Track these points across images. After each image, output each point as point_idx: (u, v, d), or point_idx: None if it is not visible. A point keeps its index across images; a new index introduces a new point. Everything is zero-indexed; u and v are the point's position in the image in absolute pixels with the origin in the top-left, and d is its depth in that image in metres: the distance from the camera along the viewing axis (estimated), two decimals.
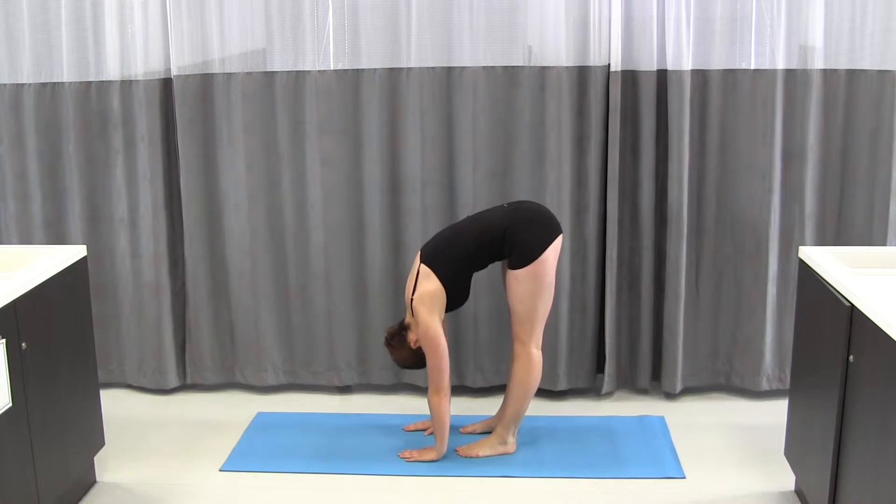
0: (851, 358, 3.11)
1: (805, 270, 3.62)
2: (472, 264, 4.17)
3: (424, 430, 4.52)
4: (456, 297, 4.17)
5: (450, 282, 4.11)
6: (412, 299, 4.11)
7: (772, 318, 4.76)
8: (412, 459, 4.22)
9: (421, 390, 4.92)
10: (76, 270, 3.77)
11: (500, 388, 4.72)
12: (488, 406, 4.69)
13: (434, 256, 4.13)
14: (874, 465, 2.93)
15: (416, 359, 4.23)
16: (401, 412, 4.74)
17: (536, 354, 4.18)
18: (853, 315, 3.10)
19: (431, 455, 4.22)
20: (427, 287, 4.09)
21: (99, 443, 4.03)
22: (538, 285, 4.08)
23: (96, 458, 4.09)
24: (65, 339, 3.68)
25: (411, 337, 4.19)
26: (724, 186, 4.68)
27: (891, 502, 2.79)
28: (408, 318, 4.21)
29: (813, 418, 3.50)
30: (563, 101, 4.56)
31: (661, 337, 4.84)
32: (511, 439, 4.30)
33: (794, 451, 3.78)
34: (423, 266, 4.12)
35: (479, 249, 4.11)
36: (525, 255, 4.05)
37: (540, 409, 4.64)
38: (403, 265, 4.78)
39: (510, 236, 4.05)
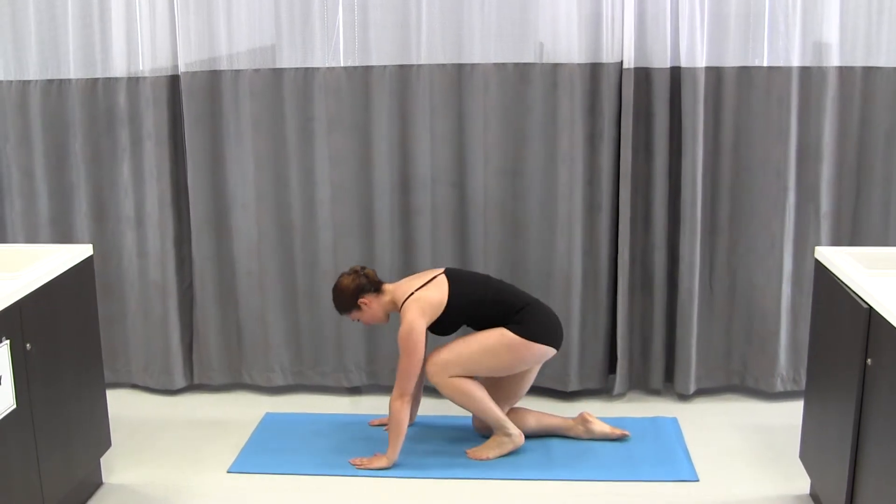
0: (869, 361, 3.06)
1: (821, 271, 3.57)
2: (479, 312, 4.16)
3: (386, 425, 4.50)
4: (443, 326, 4.16)
5: (453, 309, 4.10)
6: (410, 295, 4.08)
7: (786, 319, 4.72)
8: (362, 467, 4.15)
9: (429, 391, 4.84)
10: (82, 270, 3.73)
11: None
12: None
13: (457, 278, 4.15)
14: (894, 469, 2.88)
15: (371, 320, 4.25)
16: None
17: (449, 381, 4.14)
18: (871, 317, 3.05)
19: (382, 462, 4.15)
20: (432, 294, 4.09)
21: (105, 444, 4.00)
22: (505, 356, 4.11)
23: (102, 460, 4.05)
24: (70, 340, 3.64)
25: (375, 305, 4.18)
26: (739, 185, 4.64)
27: None
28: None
29: (829, 421, 3.46)
30: (575, 98, 4.52)
31: (674, 337, 4.80)
32: (512, 431, 4.23)
33: (810, 454, 3.74)
34: (442, 277, 4.12)
35: (495, 305, 4.13)
36: (528, 329, 4.08)
37: (551, 409, 4.58)
38: (413, 264, 4.75)
39: (528, 312, 4.10)
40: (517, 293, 4.21)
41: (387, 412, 4.19)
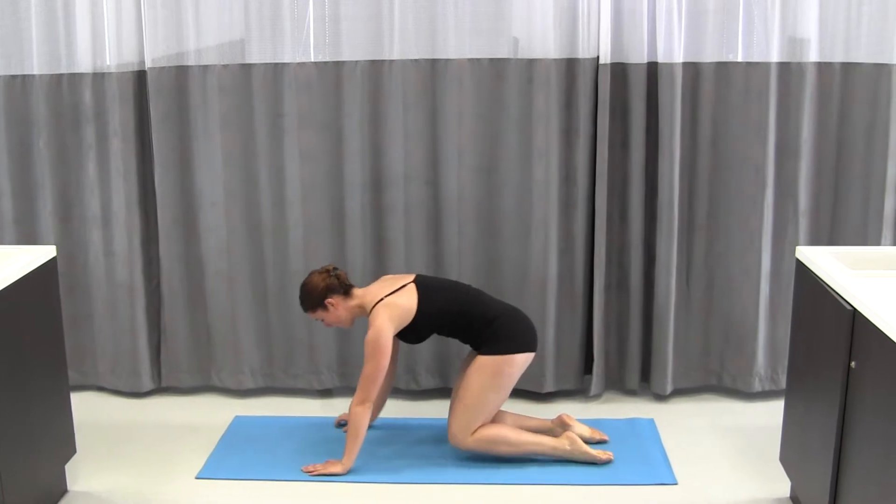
0: (853, 364, 3.01)
1: (802, 271, 3.52)
2: (448, 322, 4.13)
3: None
4: (412, 335, 4.13)
5: (422, 319, 4.06)
6: (380, 301, 4.03)
7: (764, 317, 4.69)
8: (316, 473, 4.09)
9: (403, 393, 4.86)
10: (45, 272, 3.65)
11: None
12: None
13: (427, 288, 4.10)
14: (879, 474, 2.84)
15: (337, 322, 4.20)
16: (383, 416, 4.61)
17: (474, 437, 4.09)
18: (855, 319, 3.01)
19: (337, 469, 4.08)
20: (403, 301, 4.05)
21: (70, 450, 3.93)
22: (500, 381, 4.06)
23: (67, 466, 3.98)
24: (33, 344, 3.56)
25: (341, 308, 4.14)
26: (716, 182, 4.61)
27: None
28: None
29: (811, 424, 3.42)
30: (550, 94, 4.48)
31: (650, 337, 4.77)
32: (560, 443, 4.16)
33: (791, 457, 3.69)
34: (412, 286, 4.08)
35: (464, 316, 4.10)
36: (503, 344, 4.04)
37: (526, 411, 4.54)
38: (386, 264, 4.70)
39: (499, 325, 4.06)
40: (487, 303, 4.14)
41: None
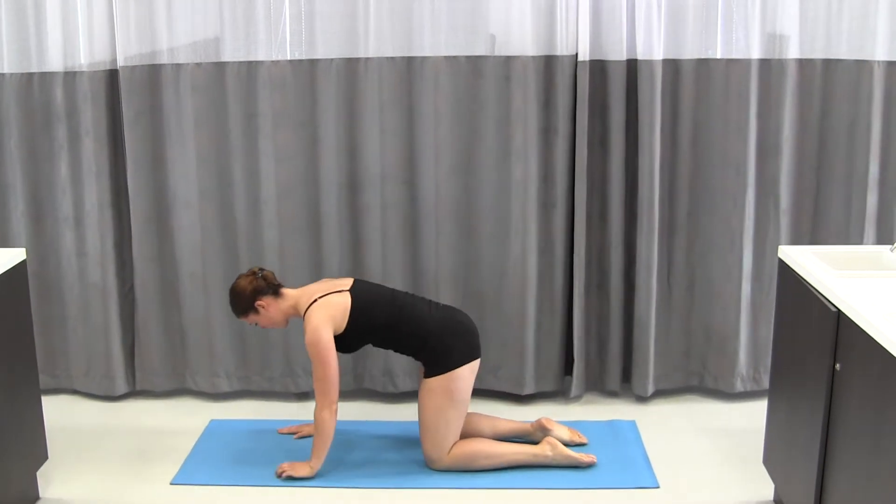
0: (838, 366, 2.97)
1: (785, 271, 3.48)
2: (378, 335, 4.08)
3: (295, 433, 4.44)
4: (344, 344, 4.07)
5: (352, 328, 4.00)
6: (314, 302, 3.98)
7: (746, 317, 4.67)
8: (285, 475, 4.04)
9: (381, 396, 4.83)
10: (14, 274, 3.61)
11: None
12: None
13: (360, 297, 4.04)
14: (864, 477, 2.81)
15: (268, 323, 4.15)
16: (360, 418, 4.60)
17: (451, 456, 4.06)
18: (840, 321, 2.97)
19: (305, 471, 4.03)
20: (338, 302, 3.99)
21: (42, 456, 3.88)
22: (449, 399, 4.00)
23: (39, 473, 3.93)
24: (3, 348, 3.51)
25: (273, 309, 4.09)
26: (697, 180, 4.58)
27: None
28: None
29: (795, 427, 3.38)
30: (528, 92, 4.44)
31: (631, 337, 4.74)
32: (540, 450, 4.12)
33: (774, 459, 3.66)
34: (347, 294, 4.02)
35: (390, 330, 4.05)
36: (444, 362, 3.99)
37: (506, 414, 4.50)
38: (362, 265, 4.65)
39: (433, 342, 4.01)
40: (418, 320, 4.05)
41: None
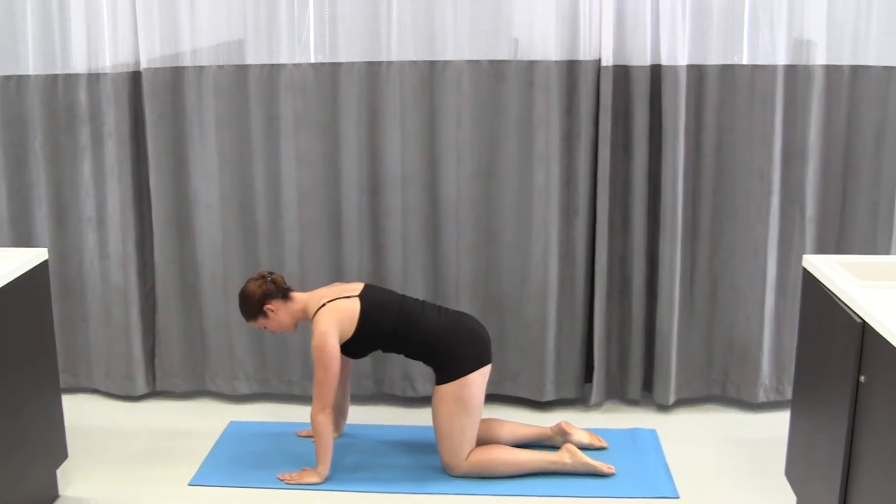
0: (862, 378, 2.93)
1: (810, 281, 3.43)
2: (385, 341, 4.07)
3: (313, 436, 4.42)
4: (352, 349, 4.06)
5: (361, 332, 3.99)
6: (322, 306, 3.98)
7: (770, 327, 4.61)
8: (292, 482, 4.03)
9: (401, 400, 4.82)
10: (36, 274, 3.62)
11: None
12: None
13: (369, 303, 4.03)
14: (888, 491, 2.76)
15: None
16: (379, 422, 4.60)
17: (469, 462, 4.04)
18: (865, 333, 2.93)
19: (313, 478, 4.03)
20: (347, 307, 3.98)
21: (62, 455, 3.90)
22: (461, 406, 3.97)
23: (59, 471, 3.94)
24: (24, 347, 3.52)
25: (283, 313, 4.09)
26: (721, 187, 4.53)
27: None
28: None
29: (818, 439, 3.34)
30: (551, 97, 4.41)
31: (653, 345, 4.70)
32: (558, 457, 4.09)
33: (796, 471, 3.62)
34: (357, 299, 4.01)
35: (397, 337, 4.04)
36: (454, 369, 3.97)
37: (525, 420, 4.47)
38: (382, 269, 4.64)
39: (443, 348, 3.99)
40: (427, 326, 4.03)
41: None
